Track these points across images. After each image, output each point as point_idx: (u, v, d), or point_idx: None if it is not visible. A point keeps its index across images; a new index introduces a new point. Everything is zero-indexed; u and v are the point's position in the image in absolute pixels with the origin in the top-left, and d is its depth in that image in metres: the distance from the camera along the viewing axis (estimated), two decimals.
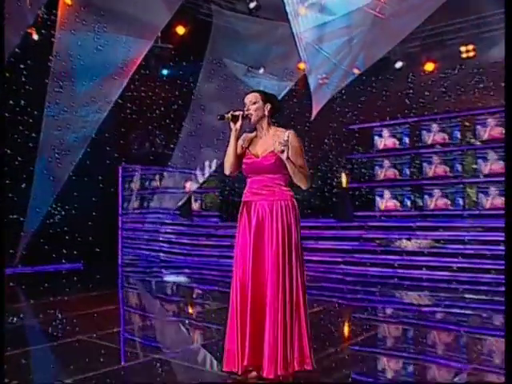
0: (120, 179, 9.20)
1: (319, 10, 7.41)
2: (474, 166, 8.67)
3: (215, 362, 3.86)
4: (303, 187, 3.36)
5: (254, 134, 3.51)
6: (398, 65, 9.11)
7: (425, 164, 9.11)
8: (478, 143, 8.62)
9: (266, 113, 3.45)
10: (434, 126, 8.99)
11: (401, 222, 8.71)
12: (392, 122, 9.37)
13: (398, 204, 9.22)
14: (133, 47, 7.61)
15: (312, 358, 3.23)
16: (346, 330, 5.26)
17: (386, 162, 9.46)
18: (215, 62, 8.95)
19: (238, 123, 3.37)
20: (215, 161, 9.68)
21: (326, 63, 8.23)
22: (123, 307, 6.46)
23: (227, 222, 9.88)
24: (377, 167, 9.57)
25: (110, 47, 7.59)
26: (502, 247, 7.31)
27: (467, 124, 8.72)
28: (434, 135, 9.02)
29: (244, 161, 3.40)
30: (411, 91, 9.05)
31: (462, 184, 8.71)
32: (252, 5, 8.71)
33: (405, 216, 9.04)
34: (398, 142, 9.37)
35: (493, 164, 8.38)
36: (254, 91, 3.52)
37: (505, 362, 2.20)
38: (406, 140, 9.31)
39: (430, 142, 9.05)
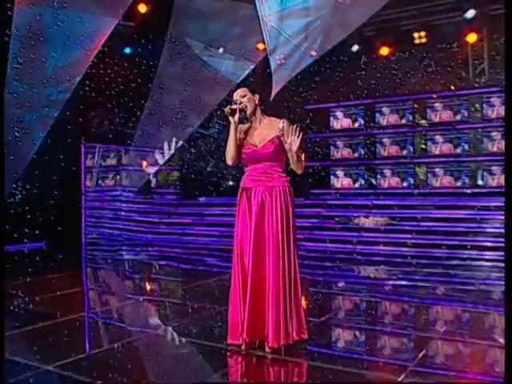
0: (83, 158, 9.11)
1: None
2: (423, 147, 9.19)
3: (184, 339, 4.07)
4: (299, 172, 3.59)
5: (248, 125, 3.69)
6: (355, 48, 9.40)
7: (378, 144, 9.55)
8: (427, 125, 9.12)
9: (257, 102, 3.66)
10: (387, 109, 9.41)
11: (358, 200, 9.12)
12: (347, 103, 9.71)
13: (353, 182, 9.64)
14: (97, 25, 7.50)
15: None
16: (304, 303, 5.58)
17: (341, 143, 9.83)
18: (176, 41, 8.95)
19: (236, 116, 3.56)
20: (174, 139, 9.74)
21: (287, 45, 8.42)
22: (87, 288, 6.53)
23: (187, 200, 10.00)
24: (332, 147, 9.93)
25: (72, 24, 7.45)
26: (452, 224, 7.89)
27: (418, 107, 9.18)
28: (387, 117, 9.44)
29: (243, 151, 3.59)
30: (366, 74, 9.39)
31: (412, 164, 9.21)
32: None
33: (359, 194, 9.48)
34: (352, 123, 9.75)
35: (442, 146, 8.90)
36: (239, 89, 3.71)
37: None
38: (361, 121, 9.70)
39: (383, 123, 9.48)
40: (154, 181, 10.49)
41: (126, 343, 3.99)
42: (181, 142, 9.64)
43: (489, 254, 7.35)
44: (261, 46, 9.52)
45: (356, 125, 9.71)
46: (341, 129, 9.85)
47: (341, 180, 9.77)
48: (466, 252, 7.47)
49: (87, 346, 4.02)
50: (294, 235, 3.52)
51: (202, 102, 9.30)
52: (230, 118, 3.57)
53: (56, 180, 8.12)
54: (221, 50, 9.51)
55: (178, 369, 3.51)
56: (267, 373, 3.39)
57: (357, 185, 9.60)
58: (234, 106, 3.56)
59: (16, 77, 7.75)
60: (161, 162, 9.92)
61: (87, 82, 8.81)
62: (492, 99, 8.56)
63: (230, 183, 10.33)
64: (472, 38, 8.50)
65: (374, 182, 9.51)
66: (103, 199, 10.29)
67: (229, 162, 3.64)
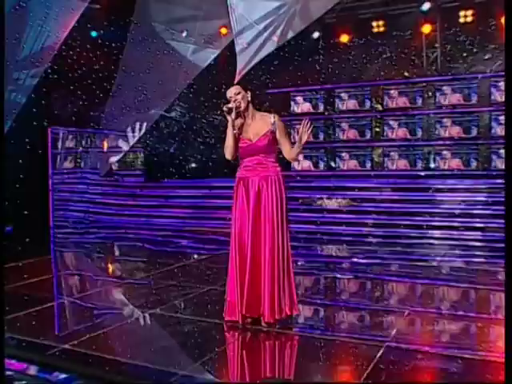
0: (50, 141, 9.04)
1: None
2: (378, 130, 9.67)
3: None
4: (293, 161, 3.92)
5: (241, 120, 3.92)
6: (315, 35, 9.70)
7: (337, 129, 9.96)
8: (381, 109, 9.58)
9: (249, 99, 3.92)
10: (346, 94, 9.81)
11: (320, 182, 9.52)
12: (308, 88, 10.04)
13: (313, 165, 10.03)
14: (66, 8, 7.45)
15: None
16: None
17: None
18: (141, 25, 8.98)
19: (233, 114, 3.81)
20: (138, 123, 9.81)
21: (252, 31, 8.62)
22: (56, 272, 6.64)
23: (151, 182, 10.14)
24: (292, 131, 10.25)
25: (40, 7, 7.39)
26: (409, 204, 8.42)
27: (375, 93, 9.62)
28: (346, 102, 9.85)
29: (240, 145, 3.85)
30: (326, 60, 9.74)
31: (370, 148, 9.68)
32: None
33: (319, 176, 9.89)
34: (313, 108, 10.10)
35: (397, 131, 9.39)
36: (232, 86, 3.93)
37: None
38: (321, 106, 10.07)
39: (342, 108, 9.88)
40: (115, 163, 10.53)
41: (127, 323, 4.22)
42: (145, 126, 9.70)
43: (442, 233, 7.93)
44: (224, 30, 9.69)
45: (315, 109, 10.09)
46: (301, 113, 10.19)
47: (301, 163, 10.14)
48: (421, 231, 8.01)
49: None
50: (286, 219, 3.83)
51: (165, 85, 9.39)
52: (228, 117, 3.80)
53: (22, 163, 8.06)
54: (184, 34, 9.58)
55: (181, 345, 3.78)
56: (263, 345, 3.71)
57: (316, 167, 10.01)
58: (230, 105, 3.80)
59: None
60: (125, 148, 9.99)
61: (52, 65, 8.74)
62: (444, 87, 9.10)
63: (193, 165, 10.51)
64: (426, 28, 8.97)
65: (333, 164, 9.93)
66: (69, 182, 10.25)
67: (228, 156, 3.89)
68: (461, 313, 4.40)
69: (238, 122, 3.91)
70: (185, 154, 10.59)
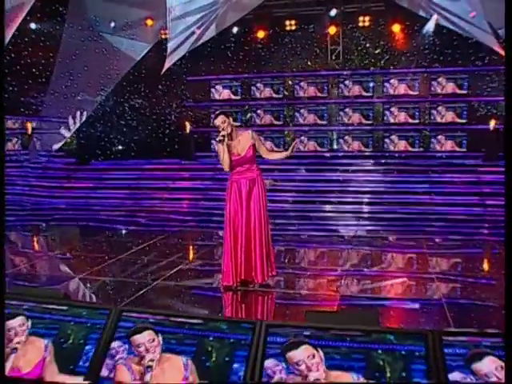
0: None
1: None
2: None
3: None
4: (267, 158, 5.11)
5: (226, 141, 4.93)
6: (235, 30, 10.71)
7: (255, 114, 11.17)
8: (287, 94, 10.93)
9: (232, 123, 4.99)
10: (262, 84, 11.02)
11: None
12: (227, 76, 11.11)
13: None
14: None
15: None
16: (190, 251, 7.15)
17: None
18: (76, 17, 9.43)
19: (225, 142, 4.85)
20: (79, 112, 10.31)
21: (185, 30, 9.50)
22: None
23: (82, 165, 10.70)
24: (213, 115, 11.26)
25: None
26: (322, 184, 9.88)
27: (290, 83, 10.94)
28: (262, 90, 11.07)
29: (233, 158, 4.92)
30: (245, 53, 10.84)
31: (283, 132, 11.04)
32: None
33: None
34: (232, 95, 11.20)
35: (308, 117, 10.81)
36: (218, 115, 4.95)
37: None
38: (239, 93, 11.20)
39: (259, 96, 11.10)
40: (38, 144, 10.85)
41: (132, 295, 5.15)
42: (85, 113, 10.21)
43: (349, 207, 9.52)
44: (149, 21, 10.39)
45: (235, 95, 11.20)
46: (221, 99, 11.26)
47: None
48: (333, 206, 9.54)
49: None
50: (266, 206, 5.01)
51: (97, 73, 9.97)
52: (221, 144, 4.85)
53: None
54: (112, 24, 10.13)
55: (188, 307, 4.84)
56: (255, 299, 4.94)
57: None
58: (223, 134, 4.83)
59: None
60: (67, 135, 10.40)
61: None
62: (346, 82, 10.64)
63: (120, 147, 11.17)
64: (332, 29, 10.37)
65: None
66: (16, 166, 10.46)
67: (227, 169, 4.95)
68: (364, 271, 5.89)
69: (226, 142, 4.95)
70: (109, 137, 11.21)
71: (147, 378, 2.77)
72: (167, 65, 9.98)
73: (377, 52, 10.45)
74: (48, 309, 3.23)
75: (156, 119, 11.32)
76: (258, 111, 11.10)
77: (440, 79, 10.22)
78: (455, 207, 9.12)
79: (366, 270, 5.97)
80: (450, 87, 10.17)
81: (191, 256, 6.86)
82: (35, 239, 8.20)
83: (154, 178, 10.28)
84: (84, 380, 2.79)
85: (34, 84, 9.71)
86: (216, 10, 9.33)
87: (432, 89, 10.27)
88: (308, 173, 10.12)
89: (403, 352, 2.64)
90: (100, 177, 10.49)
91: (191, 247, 7.43)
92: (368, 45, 10.44)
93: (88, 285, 5.46)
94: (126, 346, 2.89)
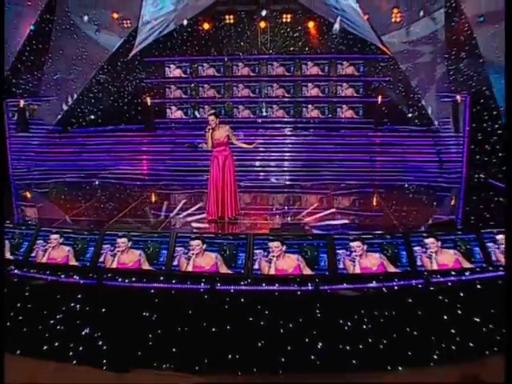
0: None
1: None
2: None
3: None
4: (235, 144, 8.24)
5: (211, 129, 8.03)
6: (185, 22, 13.32)
7: (200, 89, 14.03)
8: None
9: (216, 120, 8.05)
10: (207, 64, 13.86)
11: (191, 131, 13.52)
12: (178, 58, 13.82)
13: (184, 115, 14.05)
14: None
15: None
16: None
17: (174, 87, 14.04)
18: (64, 15, 11.83)
19: (210, 131, 7.97)
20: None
21: (151, 29, 12.11)
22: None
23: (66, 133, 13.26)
24: (167, 89, 14.06)
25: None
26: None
27: (229, 64, 13.83)
28: (206, 69, 13.91)
29: (214, 141, 8.03)
30: (193, 40, 13.57)
31: (224, 102, 14.01)
32: None
33: (187, 122, 13.95)
34: (183, 73, 13.96)
35: (242, 91, 13.83)
36: (211, 114, 8.14)
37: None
38: (188, 71, 13.97)
39: (204, 74, 13.95)
40: (27, 114, 13.11)
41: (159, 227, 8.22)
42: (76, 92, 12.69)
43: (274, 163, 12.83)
44: (115, 15, 12.81)
45: (184, 73, 13.97)
46: (173, 76, 14.00)
47: (173, 112, 14.09)
48: (262, 162, 12.82)
49: None
50: (234, 171, 8.21)
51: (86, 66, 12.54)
52: (208, 133, 7.94)
53: None
54: (86, 18, 12.48)
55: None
56: (229, 225, 8.18)
57: (186, 116, 14.06)
58: (209, 127, 7.93)
59: None
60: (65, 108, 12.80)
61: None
62: (274, 64, 13.69)
63: (92, 117, 13.63)
64: (262, 23, 13.31)
65: (197, 114, 14.05)
66: None
67: (209, 147, 8.06)
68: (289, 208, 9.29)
69: (211, 129, 8.02)
70: (81, 108, 13.61)
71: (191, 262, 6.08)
72: (134, 52, 12.61)
73: (296, 41, 13.53)
74: (135, 235, 6.52)
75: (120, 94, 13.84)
76: (205, 85, 13.96)
77: (343, 63, 13.51)
78: (352, 162, 12.63)
79: (288, 207, 9.43)
80: (350, 69, 13.50)
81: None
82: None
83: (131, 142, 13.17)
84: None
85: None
86: (175, 11, 11.97)
87: (337, 71, 13.55)
88: (244, 137, 13.19)
89: (315, 244, 6.22)
90: (80, 142, 13.07)
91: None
92: (289, 35, 13.49)
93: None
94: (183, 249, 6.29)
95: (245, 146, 8.58)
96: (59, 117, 13.00)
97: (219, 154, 8.15)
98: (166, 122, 13.97)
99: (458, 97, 11.18)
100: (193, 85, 14.03)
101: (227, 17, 13.39)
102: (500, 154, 10.11)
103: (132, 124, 13.52)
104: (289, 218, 9.01)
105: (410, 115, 12.56)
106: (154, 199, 11.05)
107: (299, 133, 13.46)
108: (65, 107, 12.82)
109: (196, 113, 14.04)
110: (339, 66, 13.54)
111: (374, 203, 10.50)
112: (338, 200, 10.66)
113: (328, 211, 9.23)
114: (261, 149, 12.87)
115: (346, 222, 8.62)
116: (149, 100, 13.66)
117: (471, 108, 10.83)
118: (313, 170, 12.45)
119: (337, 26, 12.39)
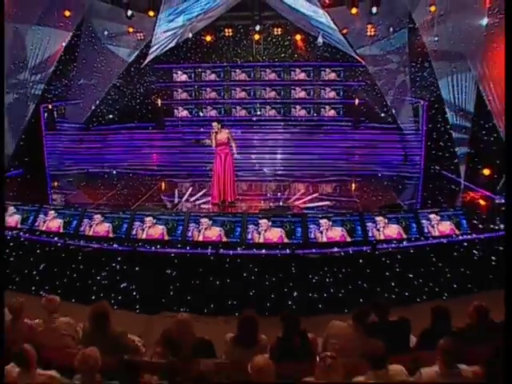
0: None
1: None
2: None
3: None
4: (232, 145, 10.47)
5: (215, 132, 10.25)
6: (190, 35, 15.42)
7: (203, 91, 16.16)
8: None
9: (219, 125, 10.28)
10: (210, 71, 15.98)
11: (194, 128, 15.66)
12: (185, 65, 15.92)
13: (189, 114, 16.19)
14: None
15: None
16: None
17: (180, 90, 16.18)
18: (86, 32, 13.98)
19: (214, 134, 10.17)
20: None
21: (163, 40, 14.20)
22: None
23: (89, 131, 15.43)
24: (175, 92, 16.19)
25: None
26: (251, 139, 15.22)
27: (228, 70, 15.94)
28: (208, 74, 16.03)
29: (217, 141, 10.26)
30: (196, 50, 15.66)
31: (224, 104, 16.15)
32: None
33: (192, 121, 16.09)
34: (188, 78, 16.09)
35: (239, 93, 15.97)
36: (214, 121, 10.40)
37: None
38: (193, 76, 16.09)
39: (206, 78, 16.07)
40: (55, 115, 15.23)
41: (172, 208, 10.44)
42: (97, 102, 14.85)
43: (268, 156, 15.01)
44: (130, 29, 14.90)
45: (189, 78, 16.10)
46: (180, 81, 16.13)
47: (180, 112, 16.24)
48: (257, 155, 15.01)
49: None
50: (234, 165, 10.45)
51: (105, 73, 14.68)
52: (213, 135, 10.15)
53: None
54: (106, 33, 14.60)
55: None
56: (229, 207, 10.41)
57: (191, 115, 16.21)
58: (214, 130, 10.12)
59: None
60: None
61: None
62: (267, 70, 15.81)
63: (110, 116, 15.77)
64: (256, 36, 15.41)
65: (201, 113, 16.19)
66: None
67: (213, 146, 10.27)
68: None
69: (215, 132, 10.23)
70: (101, 108, 15.72)
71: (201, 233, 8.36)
72: (147, 61, 14.72)
73: (285, 50, 15.65)
74: (158, 215, 8.82)
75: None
76: (207, 89, 16.10)
77: (326, 70, 15.63)
78: (334, 155, 14.79)
79: (278, 193, 11.67)
80: (332, 75, 15.63)
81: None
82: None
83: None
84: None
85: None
86: (183, 26, 14.05)
87: (321, 76, 15.68)
88: (242, 134, 15.28)
89: (293, 220, 8.57)
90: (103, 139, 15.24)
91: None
92: (279, 46, 15.60)
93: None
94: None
95: (234, 146, 10.60)
96: (85, 118, 15.06)
97: (221, 152, 10.37)
98: (174, 121, 16.13)
99: (421, 101, 13.39)
100: (197, 87, 16.13)
101: (226, 30, 15.47)
102: (451, 150, 12.36)
103: (144, 122, 15.65)
104: (279, 203, 11.23)
105: (382, 115, 14.69)
106: (165, 187, 13.26)
107: (288, 130, 15.60)
108: (92, 107, 14.82)
109: (200, 112, 16.16)
110: (323, 72, 15.65)
111: (351, 190, 12.76)
112: (321, 187, 12.91)
113: (311, 196, 11.49)
114: (255, 144, 15.03)
115: (328, 203, 10.83)
116: (159, 101, 15.80)
117: (428, 111, 13.05)
118: (300, 162, 14.60)
119: (320, 40, 14.48)
